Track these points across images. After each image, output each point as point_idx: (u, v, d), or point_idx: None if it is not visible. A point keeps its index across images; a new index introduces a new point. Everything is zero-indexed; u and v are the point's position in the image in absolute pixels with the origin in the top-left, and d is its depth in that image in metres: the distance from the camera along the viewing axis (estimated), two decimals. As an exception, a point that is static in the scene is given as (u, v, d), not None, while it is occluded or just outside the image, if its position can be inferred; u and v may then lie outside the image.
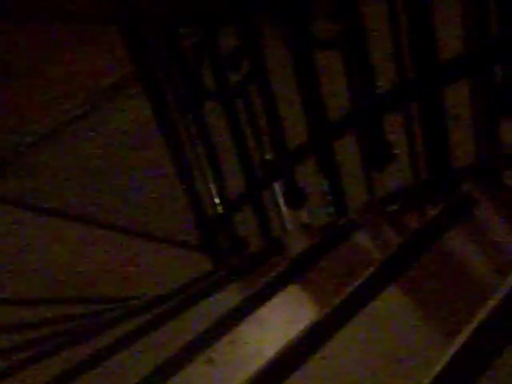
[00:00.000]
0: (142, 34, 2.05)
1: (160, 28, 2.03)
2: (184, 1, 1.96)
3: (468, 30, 1.74)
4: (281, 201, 2.31)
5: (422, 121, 1.90)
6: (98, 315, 2.86)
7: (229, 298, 2.15)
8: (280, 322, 1.91)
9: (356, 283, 1.67)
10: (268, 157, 2.20)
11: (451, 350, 1.28)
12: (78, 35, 4.68)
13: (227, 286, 2.28)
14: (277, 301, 1.95)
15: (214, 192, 2.36)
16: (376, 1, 1.86)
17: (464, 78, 1.80)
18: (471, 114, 1.88)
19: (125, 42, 2.04)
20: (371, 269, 1.71)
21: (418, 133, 1.94)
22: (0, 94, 4.54)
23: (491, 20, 1.67)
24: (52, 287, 3.29)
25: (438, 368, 1.27)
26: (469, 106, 1.87)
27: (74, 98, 4.30)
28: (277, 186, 2.28)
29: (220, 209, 2.40)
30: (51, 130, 4.13)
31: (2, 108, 4.39)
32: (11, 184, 3.93)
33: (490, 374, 1.27)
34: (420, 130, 1.92)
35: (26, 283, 3.35)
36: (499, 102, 1.76)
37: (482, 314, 1.31)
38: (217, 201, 2.38)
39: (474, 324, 1.30)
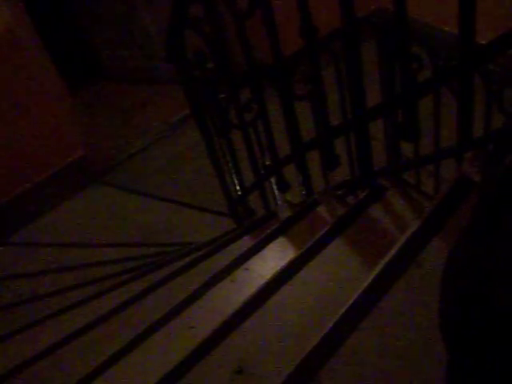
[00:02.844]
0: (194, 90, 2.09)
1: (206, 88, 2.08)
2: (220, 75, 1.96)
3: (383, 89, 1.79)
4: (275, 187, 2.33)
5: (356, 141, 1.90)
6: (164, 254, 2.88)
7: (244, 244, 2.18)
8: (274, 258, 1.95)
9: (316, 237, 1.73)
10: (267, 162, 2.22)
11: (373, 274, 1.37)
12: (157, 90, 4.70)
13: (243, 237, 2.31)
14: (272, 246, 2.00)
15: (236, 182, 2.38)
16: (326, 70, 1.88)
17: (380, 117, 1.83)
18: (384, 137, 1.93)
19: (185, 94, 2.10)
20: (326, 228, 1.76)
21: (354, 148, 1.96)
22: (109, 123, 4.57)
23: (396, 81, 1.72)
24: (133, 237, 3.35)
25: (365, 284, 1.36)
26: (383, 133, 1.93)
27: (158, 126, 4.35)
28: (272, 179, 2.31)
29: (239, 192, 2.42)
30: (140, 148, 4.17)
31: (113, 132, 4.44)
32: (118, 175, 3.98)
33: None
34: (355, 147, 1.94)
35: (119, 234, 3.43)
36: (400, 131, 1.78)
37: (388, 256, 1.39)
38: (238, 187, 2.40)
39: (385, 259, 1.38)
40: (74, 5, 4.86)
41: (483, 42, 1.37)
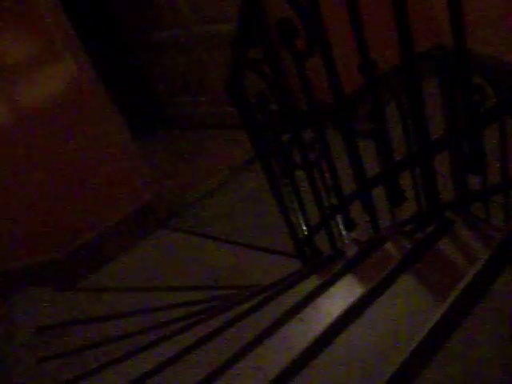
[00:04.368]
0: (257, 132, 2.11)
1: (269, 129, 2.10)
2: (283, 116, 1.99)
3: (447, 121, 1.79)
4: (341, 226, 2.33)
5: (422, 177, 1.91)
6: (232, 296, 2.88)
7: (311, 283, 2.15)
8: (341, 296, 1.94)
9: (384, 273, 1.72)
10: (333, 201, 2.23)
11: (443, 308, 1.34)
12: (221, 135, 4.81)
13: (310, 277, 2.30)
14: (340, 284, 1.99)
15: (302, 222, 2.37)
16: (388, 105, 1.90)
17: (445, 150, 1.83)
18: (450, 171, 1.93)
19: (248, 137, 2.12)
20: (393, 264, 1.74)
21: (420, 183, 1.97)
22: (173, 169, 4.67)
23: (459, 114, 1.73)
24: (200, 280, 3.37)
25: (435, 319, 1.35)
26: (449, 167, 1.93)
27: (222, 170, 4.43)
28: (339, 217, 2.30)
29: (306, 231, 2.40)
30: (205, 193, 4.25)
31: (177, 178, 4.54)
32: (183, 219, 4.05)
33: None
34: (421, 182, 1.94)
35: (185, 278, 3.45)
36: (466, 165, 1.79)
37: (457, 290, 1.38)
38: (304, 227, 2.39)
39: (455, 293, 1.37)
40: (139, 56, 5.04)
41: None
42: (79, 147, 3.43)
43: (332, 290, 1.98)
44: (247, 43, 1.83)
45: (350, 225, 2.29)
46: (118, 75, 4.99)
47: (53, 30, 3.15)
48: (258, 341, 1.85)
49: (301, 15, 1.66)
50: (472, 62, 1.53)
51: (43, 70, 3.18)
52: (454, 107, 1.69)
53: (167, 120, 5.41)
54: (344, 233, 2.37)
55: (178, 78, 4.94)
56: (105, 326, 3.11)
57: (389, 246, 2.11)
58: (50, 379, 2.59)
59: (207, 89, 4.78)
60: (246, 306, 2.30)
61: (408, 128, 1.87)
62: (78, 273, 3.67)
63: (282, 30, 1.74)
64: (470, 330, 1.29)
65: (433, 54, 1.74)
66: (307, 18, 1.67)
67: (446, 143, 1.79)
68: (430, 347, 1.28)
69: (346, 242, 2.40)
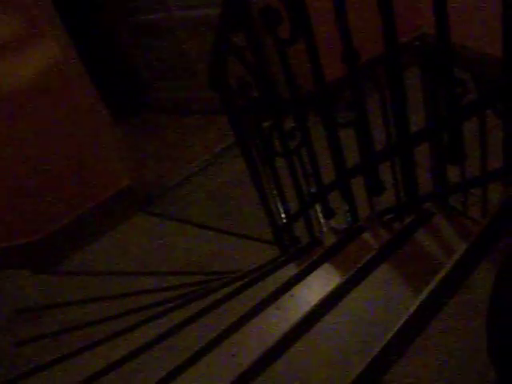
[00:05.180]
0: (238, 118, 2.10)
1: (250, 116, 2.09)
2: (264, 103, 1.98)
3: (427, 113, 1.79)
4: (319, 214, 2.33)
5: (402, 168, 1.91)
6: (208, 282, 2.88)
7: (289, 271, 2.17)
8: (319, 284, 1.94)
9: (362, 263, 1.72)
10: (312, 189, 2.22)
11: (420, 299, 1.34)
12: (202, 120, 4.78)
13: (288, 265, 2.31)
14: (317, 272, 1.99)
15: (281, 209, 2.37)
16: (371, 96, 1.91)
17: (425, 141, 1.82)
18: (430, 163, 1.93)
19: (229, 123, 2.11)
20: (371, 254, 1.75)
21: (399, 174, 1.96)
22: (153, 153, 4.66)
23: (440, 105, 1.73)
24: (178, 265, 3.37)
25: (412, 310, 1.36)
26: (429, 158, 1.93)
27: (202, 156, 4.41)
28: (317, 206, 2.31)
29: (284, 219, 2.40)
30: (184, 177, 4.23)
31: (157, 162, 4.53)
32: (163, 204, 4.04)
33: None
34: (400, 172, 1.94)
35: (163, 263, 3.44)
36: (446, 156, 1.79)
37: (434, 281, 1.38)
38: (283, 215, 2.39)
39: (432, 284, 1.37)
40: (123, 39, 5.00)
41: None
42: (58, 129, 3.39)
43: (310, 278, 1.98)
44: (231, 29, 1.82)
45: (328, 213, 2.29)
46: (101, 58, 4.93)
47: (34, 9, 3.10)
48: (234, 328, 1.85)
49: (285, 2, 1.65)
50: (454, 54, 1.53)
51: (24, 51, 3.13)
52: (435, 99, 1.69)
53: (150, 104, 5.37)
54: (323, 221, 2.38)
55: (161, 62, 4.91)
56: (82, 309, 3.09)
57: (367, 235, 2.12)
58: (26, 362, 2.57)
59: (190, 74, 4.75)
60: (224, 292, 2.30)
61: (389, 118, 1.86)
62: (57, 256, 3.64)
63: (265, 16, 1.73)
64: (447, 321, 1.30)
65: (416, 44, 1.74)
66: (291, 5, 1.66)
67: (427, 134, 1.79)
68: (406, 336, 1.29)
69: (325, 230, 2.41)
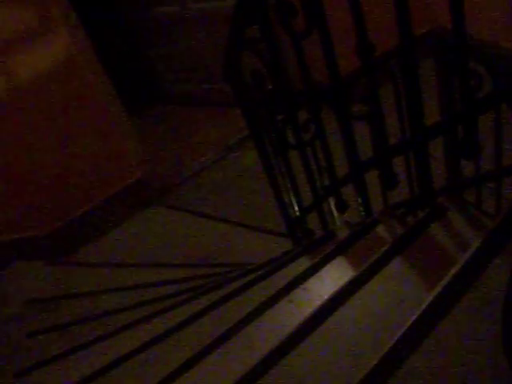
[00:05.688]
0: (252, 111, 2.11)
1: (263, 109, 2.10)
2: (278, 96, 1.97)
3: (442, 106, 1.78)
4: (333, 208, 2.33)
5: (416, 161, 1.90)
6: (221, 274, 2.88)
7: (302, 264, 2.14)
8: (332, 278, 1.94)
9: (375, 257, 1.71)
10: (326, 182, 2.23)
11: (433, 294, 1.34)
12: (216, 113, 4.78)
13: (301, 258, 2.29)
14: (330, 266, 1.98)
15: (294, 202, 2.37)
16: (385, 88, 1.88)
17: (439, 135, 1.82)
18: (444, 156, 1.93)
19: (244, 117, 2.12)
20: (384, 247, 1.74)
21: (413, 167, 1.95)
22: (167, 145, 4.66)
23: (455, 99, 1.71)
24: (191, 258, 3.37)
25: (424, 305, 1.35)
26: (443, 152, 1.92)
27: (215, 148, 4.41)
28: (331, 199, 2.31)
29: (298, 212, 2.41)
30: (198, 170, 4.23)
31: (171, 154, 4.53)
32: (176, 196, 4.05)
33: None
34: (415, 166, 1.93)
35: (176, 255, 3.44)
36: (460, 150, 1.78)
37: (448, 276, 1.37)
38: (296, 208, 2.39)
39: (445, 279, 1.37)
40: (138, 32, 5.01)
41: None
42: (72, 121, 3.40)
43: (323, 272, 1.98)
44: (245, 22, 1.82)
45: (342, 207, 2.28)
46: (116, 51, 4.95)
47: (50, 3, 3.11)
48: (247, 320, 1.85)
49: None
50: (470, 47, 1.52)
51: (38, 43, 3.14)
52: (450, 92, 1.68)
53: (164, 97, 5.38)
54: (336, 214, 2.38)
55: (175, 55, 4.91)
56: (94, 301, 3.10)
57: (380, 229, 2.11)
58: (38, 353, 2.59)
59: (204, 66, 4.75)
60: (237, 284, 2.30)
61: (403, 112, 1.86)
62: (69, 247, 3.66)
63: (280, 9, 1.72)
64: (460, 316, 1.29)
65: (432, 36, 1.73)
66: (306, -3, 1.66)
67: (441, 128, 1.78)
68: (419, 332, 1.28)
69: (338, 223, 2.40)
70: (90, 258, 3.61)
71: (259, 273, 2.28)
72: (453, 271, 1.35)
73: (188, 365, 1.76)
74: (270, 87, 1.95)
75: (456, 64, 1.56)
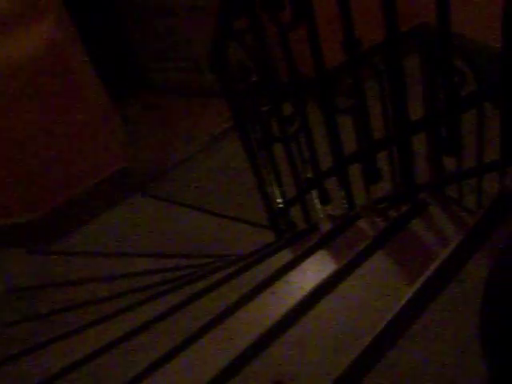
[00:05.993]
0: (237, 102, 2.10)
1: (248, 100, 2.10)
2: (263, 88, 1.97)
3: (426, 103, 1.79)
4: (316, 200, 2.34)
5: (399, 157, 1.91)
6: (203, 265, 2.88)
7: (284, 257, 2.15)
8: (314, 271, 1.95)
9: (357, 250, 1.72)
10: (309, 175, 2.24)
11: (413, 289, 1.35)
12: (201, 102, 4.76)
13: (283, 250, 2.31)
14: (312, 259, 1.99)
15: (277, 194, 2.38)
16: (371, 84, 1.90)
17: (423, 131, 1.83)
18: (427, 152, 1.93)
19: (229, 108, 2.12)
20: (366, 241, 1.75)
21: (396, 162, 1.96)
22: (151, 134, 4.64)
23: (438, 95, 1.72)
24: (174, 248, 3.36)
25: (405, 299, 1.36)
26: (425, 148, 1.92)
27: (201, 138, 4.39)
28: (314, 192, 2.31)
29: (281, 204, 2.41)
30: (182, 160, 4.21)
31: (155, 143, 4.50)
32: (159, 186, 4.04)
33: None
34: (397, 161, 1.93)
35: (159, 245, 3.44)
36: (443, 146, 1.79)
37: (429, 271, 1.39)
38: (279, 200, 2.40)
39: (426, 274, 1.38)
40: (121, 18, 4.96)
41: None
42: (55, 109, 3.38)
43: (305, 264, 1.99)
44: (232, 13, 1.82)
45: (325, 200, 2.30)
46: (99, 38, 4.90)
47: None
48: (229, 312, 1.86)
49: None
50: (455, 44, 1.53)
51: (23, 29, 3.11)
52: (434, 88, 1.69)
53: (149, 85, 5.34)
54: (319, 207, 2.38)
55: (161, 43, 4.88)
56: (77, 290, 3.10)
57: (363, 223, 2.12)
58: (18, 343, 2.58)
59: (190, 55, 4.72)
60: (219, 276, 2.31)
61: (387, 107, 1.86)
62: (52, 235, 3.65)
63: (267, 1, 1.72)
64: (440, 311, 1.30)
65: (417, 32, 1.74)
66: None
67: (425, 124, 1.79)
68: (400, 325, 1.29)
69: (321, 216, 2.41)
70: (72, 247, 3.59)
71: (241, 264, 2.29)
72: (433, 266, 1.36)
73: (171, 354, 1.76)
74: (255, 79, 1.95)
75: (440, 60, 1.57)
